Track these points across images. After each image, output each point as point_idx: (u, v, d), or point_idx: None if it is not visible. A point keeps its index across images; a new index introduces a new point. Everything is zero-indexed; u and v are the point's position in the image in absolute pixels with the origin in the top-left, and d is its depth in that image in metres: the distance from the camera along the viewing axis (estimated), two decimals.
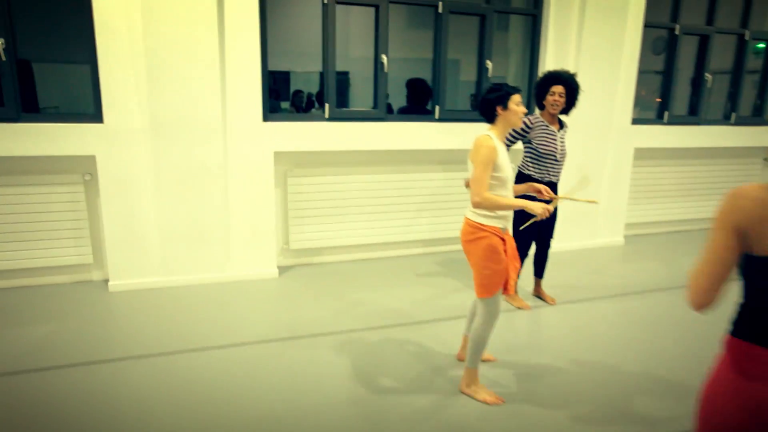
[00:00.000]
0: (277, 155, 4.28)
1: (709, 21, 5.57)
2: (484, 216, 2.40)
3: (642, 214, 5.77)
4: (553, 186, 3.57)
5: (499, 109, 2.42)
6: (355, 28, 5.09)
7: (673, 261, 4.94)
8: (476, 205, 2.32)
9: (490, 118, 2.46)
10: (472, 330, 2.56)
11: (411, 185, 4.65)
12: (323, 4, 4.11)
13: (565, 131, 3.62)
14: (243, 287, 4.03)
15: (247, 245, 4.15)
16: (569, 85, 3.46)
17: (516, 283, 3.76)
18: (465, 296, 3.90)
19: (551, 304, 3.82)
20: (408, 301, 3.81)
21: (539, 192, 2.62)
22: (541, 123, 3.52)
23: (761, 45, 5.90)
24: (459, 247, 5.02)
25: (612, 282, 4.33)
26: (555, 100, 3.46)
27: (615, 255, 5.10)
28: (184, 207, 3.90)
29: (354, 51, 4.38)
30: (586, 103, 4.82)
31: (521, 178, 3.57)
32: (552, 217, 3.72)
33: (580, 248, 5.20)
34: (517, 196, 2.86)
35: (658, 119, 5.57)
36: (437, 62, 4.57)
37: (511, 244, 2.47)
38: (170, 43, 3.63)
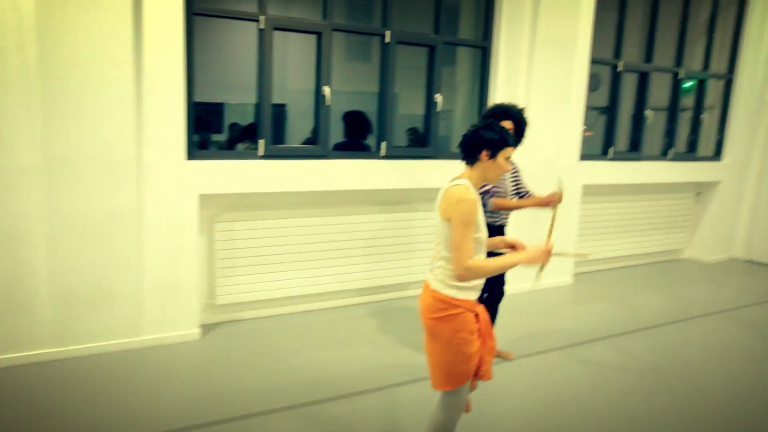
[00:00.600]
0: (204, 198, 3.71)
1: (648, 59, 5.61)
2: (458, 288, 1.97)
3: (589, 252, 5.68)
4: (502, 229, 3.31)
5: (484, 155, 1.99)
6: (293, 57, 4.65)
7: (624, 301, 4.83)
8: (461, 279, 1.88)
9: (470, 159, 2.02)
10: (429, 425, 2.10)
11: (353, 228, 4.23)
12: (259, 30, 3.64)
13: (517, 170, 3.39)
14: (158, 353, 3.41)
15: (164, 303, 3.54)
16: (518, 120, 3.19)
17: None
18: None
19: (509, 360, 3.51)
20: (362, 363, 3.35)
21: (513, 247, 2.17)
22: (512, 168, 3.33)
23: (688, 84, 6.05)
24: (406, 293, 4.64)
25: (567, 326, 4.10)
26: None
27: (566, 296, 4.92)
28: (85, 262, 3.24)
29: (292, 82, 3.98)
30: (536, 138, 4.65)
31: None
32: None
33: (529, 289, 4.99)
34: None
35: (603, 155, 5.51)
36: (383, 95, 4.23)
37: (485, 318, 2.07)
38: (72, 66, 3.02)
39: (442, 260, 2.00)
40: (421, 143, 4.47)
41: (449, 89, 4.85)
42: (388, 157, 4.28)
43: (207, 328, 3.86)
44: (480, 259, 1.92)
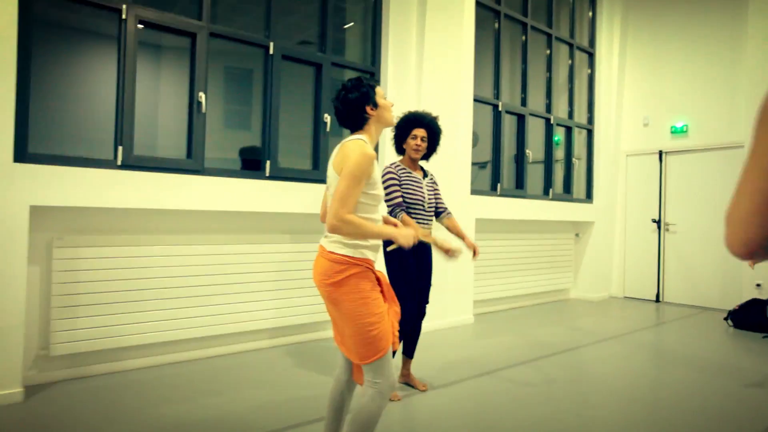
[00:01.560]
0: (38, 214, 2.93)
1: (524, 103, 5.93)
2: (353, 246, 1.89)
3: (485, 291, 5.54)
4: (426, 244, 3.16)
5: (369, 109, 1.99)
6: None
7: (525, 333, 4.67)
8: (333, 229, 1.81)
9: (358, 123, 2.01)
10: (353, 416, 1.87)
11: (232, 260, 3.63)
12: (121, 20, 3.15)
13: (432, 179, 3.26)
14: None
15: None
16: (431, 129, 3.16)
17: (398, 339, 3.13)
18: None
19: (422, 391, 3.18)
20: (243, 406, 2.65)
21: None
22: (404, 170, 3.13)
23: (558, 138, 6.51)
24: (308, 336, 4.03)
25: (477, 356, 3.79)
26: (417, 145, 3.11)
27: (470, 332, 4.68)
28: None
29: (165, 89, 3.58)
30: (429, 170, 4.55)
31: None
32: (427, 277, 3.19)
33: (430, 329, 4.68)
34: None
35: (492, 191, 5.56)
36: (267, 111, 3.88)
37: (385, 281, 2.01)
38: None
39: None
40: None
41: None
42: (273, 177, 3.86)
43: (35, 390, 2.91)
44: (358, 217, 1.86)
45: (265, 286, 3.83)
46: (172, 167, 3.39)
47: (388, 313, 1.94)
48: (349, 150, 1.89)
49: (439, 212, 3.22)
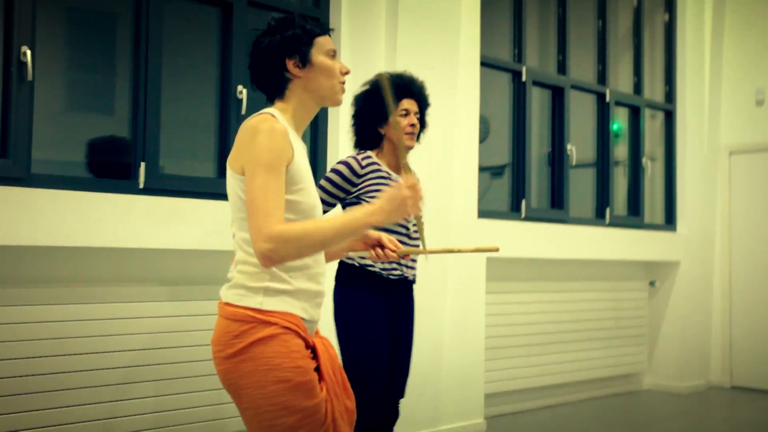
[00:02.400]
0: None
1: (561, 69, 6.10)
2: (265, 291, 1.96)
3: (504, 378, 5.60)
4: (406, 284, 3.35)
5: (291, 65, 2.09)
6: None
7: None
8: (267, 260, 1.87)
9: (275, 87, 2.14)
10: None
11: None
12: None
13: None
14: None
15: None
16: (423, 100, 3.38)
17: None
18: None
19: None
20: None
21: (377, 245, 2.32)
22: (377, 168, 3.27)
23: (618, 126, 6.69)
24: None
25: None
26: (412, 125, 3.29)
27: None
28: None
29: None
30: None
31: (347, 270, 3.24)
32: (406, 349, 3.36)
33: None
34: None
35: (513, 212, 5.71)
36: (141, 82, 3.99)
37: (330, 353, 2.09)
38: None
39: (239, 251, 2.05)
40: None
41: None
42: (152, 190, 3.93)
43: None
44: (298, 222, 1.95)
45: None
46: None
47: (328, 410, 1.96)
48: (247, 130, 1.97)
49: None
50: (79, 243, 3.58)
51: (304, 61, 2.07)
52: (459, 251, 2.42)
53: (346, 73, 2.17)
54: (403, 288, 3.32)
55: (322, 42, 2.12)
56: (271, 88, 2.13)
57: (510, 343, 5.70)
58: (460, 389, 5.01)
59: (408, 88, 3.29)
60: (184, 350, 4.01)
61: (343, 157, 4.43)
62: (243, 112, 4.26)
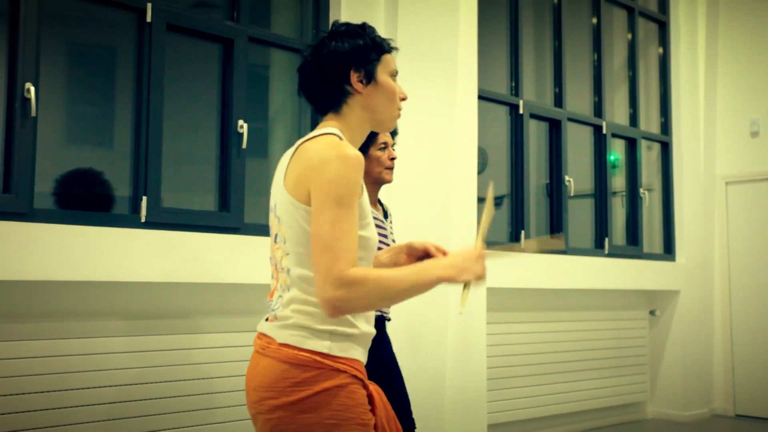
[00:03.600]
0: None
1: (558, 101, 6.13)
2: (331, 335, 1.77)
3: (507, 408, 5.56)
4: (381, 321, 3.28)
5: (354, 79, 1.91)
6: None
7: None
8: (335, 310, 1.69)
9: (331, 100, 1.95)
10: None
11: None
12: None
13: (391, 222, 3.49)
14: None
15: None
16: (394, 132, 3.38)
17: None
18: None
19: None
20: None
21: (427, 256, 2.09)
22: None
23: (615, 157, 6.72)
24: None
25: None
26: (392, 158, 3.30)
27: None
28: None
29: None
30: (412, 198, 4.70)
31: None
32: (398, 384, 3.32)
33: None
34: None
35: (512, 242, 5.73)
36: (142, 116, 3.99)
37: (383, 400, 1.92)
38: None
39: (295, 288, 1.83)
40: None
41: (262, 114, 4.80)
42: (153, 224, 3.94)
43: None
44: (374, 269, 1.81)
45: None
46: None
47: None
48: (315, 153, 1.77)
49: None
50: (82, 277, 3.58)
51: (369, 77, 1.91)
52: (522, 251, 2.23)
53: (404, 99, 2.02)
54: (380, 326, 3.23)
55: (389, 60, 1.98)
56: (325, 99, 1.94)
57: (512, 374, 5.67)
58: (463, 420, 4.95)
59: None
60: (184, 384, 4.01)
61: None
62: (244, 146, 4.29)
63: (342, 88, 1.90)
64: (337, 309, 1.68)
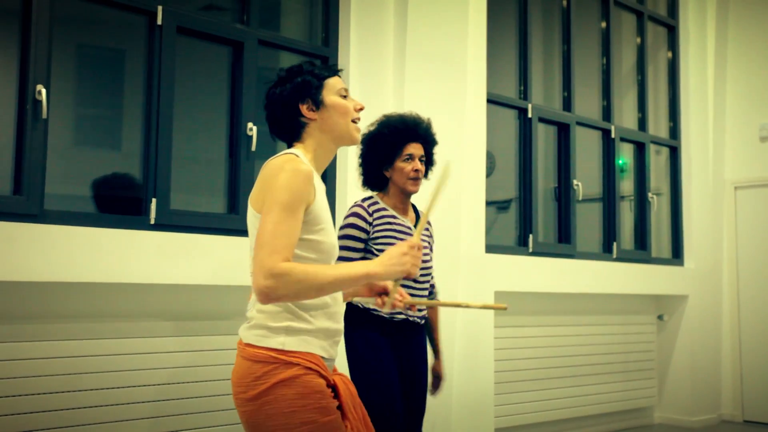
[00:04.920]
0: None
1: (567, 105, 6.13)
2: (287, 331, 1.99)
3: (514, 412, 5.54)
4: (411, 325, 3.27)
5: (304, 109, 2.15)
6: None
7: None
8: (266, 296, 1.86)
9: (292, 132, 2.19)
10: None
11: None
12: None
13: (429, 228, 3.47)
14: None
15: None
16: (429, 142, 3.36)
17: None
18: None
19: None
20: None
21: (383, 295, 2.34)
22: (384, 213, 3.27)
23: (624, 161, 6.73)
24: None
25: None
26: (417, 170, 3.26)
27: None
28: None
29: None
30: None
31: (354, 312, 3.21)
32: (420, 389, 3.33)
33: None
34: None
35: (520, 246, 5.72)
36: (152, 119, 4.02)
37: (350, 391, 2.12)
38: None
39: None
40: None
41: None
42: (162, 226, 3.97)
43: None
44: (301, 264, 1.94)
45: None
46: None
47: None
48: (271, 169, 2.00)
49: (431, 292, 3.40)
50: (92, 279, 3.61)
51: (317, 104, 2.13)
52: (467, 306, 2.43)
53: (361, 109, 2.21)
54: (411, 329, 3.29)
55: (333, 83, 2.17)
56: (289, 135, 2.17)
57: (519, 378, 5.66)
58: (470, 424, 4.96)
59: (413, 131, 3.27)
60: (192, 386, 4.02)
61: (348, 193, 4.48)
62: (253, 148, 4.31)
63: (298, 120, 2.13)
64: (267, 297, 1.85)
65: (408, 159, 3.22)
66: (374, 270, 1.96)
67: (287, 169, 1.95)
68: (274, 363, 1.92)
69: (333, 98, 2.15)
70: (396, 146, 3.23)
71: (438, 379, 3.49)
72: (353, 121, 2.20)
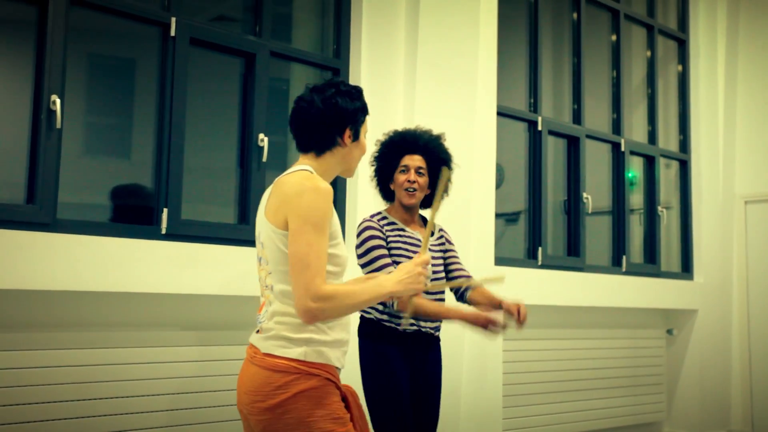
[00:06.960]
0: None
1: (577, 118, 6.15)
2: (307, 342, 2.05)
3: (523, 425, 5.55)
4: (424, 337, 3.26)
5: (346, 136, 2.24)
6: None
7: None
8: (311, 318, 1.98)
9: (321, 145, 2.25)
10: None
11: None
12: None
13: (443, 238, 3.49)
14: None
15: None
16: (432, 154, 3.34)
17: None
18: None
19: None
20: None
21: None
22: (395, 227, 3.30)
23: (633, 174, 6.74)
24: None
25: None
26: (409, 182, 3.26)
27: None
28: None
29: None
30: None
31: (366, 323, 3.25)
32: (433, 404, 3.31)
33: None
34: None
35: (529, 259, 5.72)
36: (164, 128, 4.05)
37: (356, 402, 2.20)
38: None
39: (277, 302, 2.12)
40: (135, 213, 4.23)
41: (282, 128, 4.79)
42: (174, 236, 3.99)
43: None
44: (341, 285, 2.10)
45: None
46: (3, 219, 3.43)
47: None
48: (291, 186, 2.06)
49: (462, 290, 3.39)
50: (103, 288, 3.62)
51: (356, 136, 2.24)
52: (469, 285, 2.50)
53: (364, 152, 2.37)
54: (424, 341, 3.29)
55: (367, 122, 2.30)
56: (313, 142, 2.22)
57: (528, 391, 5.65)
58: None
59: (411, 143, 3.29)
60: (203, 395, 4.02)
61: (358, 207, 4.49)
62: (264, 159, 4.32)
63: (333, 138, 2.19)
64: (314, 317, 1.97)
65: (403, 171, 3.24)
66: (396, 289, 2.09)
67: (310, 187, 2.02)
68: (296, 373, 1.97)
69: (364, 138, 2.29)
70: (393, 159, 3.28)
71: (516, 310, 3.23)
72: None
